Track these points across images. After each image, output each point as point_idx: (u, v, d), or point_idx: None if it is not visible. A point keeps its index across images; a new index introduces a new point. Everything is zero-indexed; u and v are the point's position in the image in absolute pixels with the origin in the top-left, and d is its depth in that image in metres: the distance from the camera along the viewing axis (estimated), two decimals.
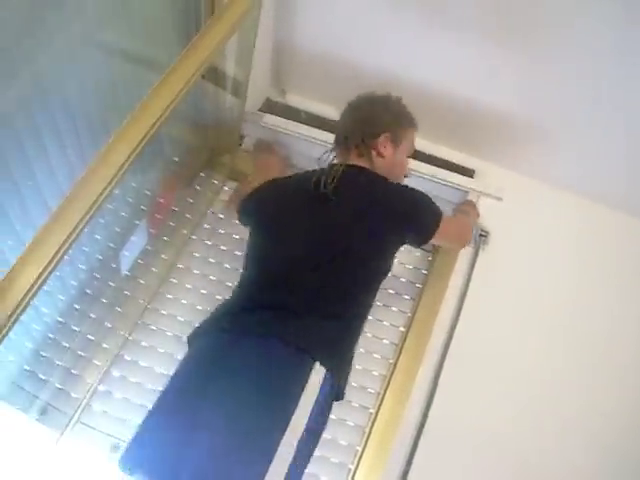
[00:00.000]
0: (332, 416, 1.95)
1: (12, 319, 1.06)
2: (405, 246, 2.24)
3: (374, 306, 2.05)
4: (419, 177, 2.23)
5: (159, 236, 2.32)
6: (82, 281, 2.11)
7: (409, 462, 1.93)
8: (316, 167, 1.86)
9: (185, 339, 1.65)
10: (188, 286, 2.24)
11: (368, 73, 2.25)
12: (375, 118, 1.85)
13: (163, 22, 1.75)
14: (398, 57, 2.19)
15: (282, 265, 1.61)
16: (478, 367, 2.11)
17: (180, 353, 1.72)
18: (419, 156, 2.30)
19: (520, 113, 2.21)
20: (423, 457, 1.94)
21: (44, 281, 1.12)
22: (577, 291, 2.30)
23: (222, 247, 2.32)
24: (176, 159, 2.34)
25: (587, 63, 1.89)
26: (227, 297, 1.75)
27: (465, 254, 2.31)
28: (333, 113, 2.09)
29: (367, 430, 1.99)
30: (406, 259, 2.32)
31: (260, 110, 2.46)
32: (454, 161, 2.42)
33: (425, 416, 2.00)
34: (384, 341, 2.16)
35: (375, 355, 2.13)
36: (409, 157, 1.95)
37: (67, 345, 2.06)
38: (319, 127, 2.30)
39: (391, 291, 2.25)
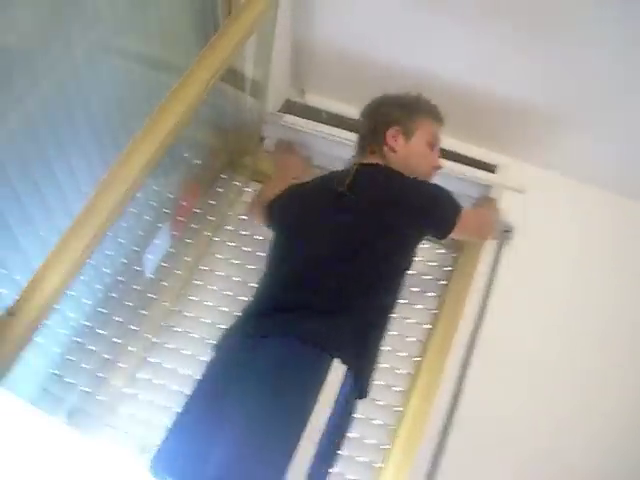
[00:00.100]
0: (358, 415, 1.95)
1: (38, 323, 1.07)
2: (429, 243, 2.27)
3: (399, 304, 2.06)
4: (440, 173, 2.21)
5: (182, 238, 2.32)
6: (107, 285, 2.12)
7: (436, 460, 1.92)
8: (337, 167, 1.87)
9: (210, 341, 1.66)
10: (212, 288, 2.24)
11: (388, 71, 2.23)
12: (384, 114, 1.86)
13: (180, 25, 1.76)
14: (417, 54, 2.17)
15: (303, 265, 1.62)
16: (504, 363, 2.08)
17: (205, 355, 1.73)
18: (441, 153, 2.30)
19: (541, 106, 2.19)
20: (451, 455, 1.93)
21: (68, 285, 1.13)
22: (603, 285, 2.26)
23: (245, 248, 2.32)
24: (197, 162, 2.35)
25: (610, 54, 1.86)
26: (251, 298, 1.75)
27: (489, 250, 2.29)
28: (353, 112, 2.08)
29: (394, 429, 1.98)
30: (430, 256, 2.31)
31: (280, 111, 2.45)
32: (475, 157, 2.40)
33: (452, 414, 1.99)
34: (409, 339, 2.15)
35: (401, 353, 2.12)
36: (435, 148, 1.89)
37: (93, 349, 2.08)
38: (340, 126, 2.30)
39: (415, 289, 2.24)
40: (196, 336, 2.13)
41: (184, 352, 2.10)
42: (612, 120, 2.12)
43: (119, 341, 2.11)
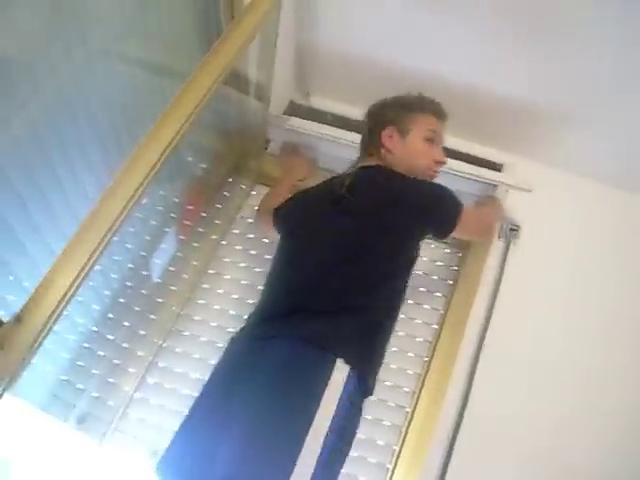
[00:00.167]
0: (368, 416, 1.98)
1: (46, 329, 1.07)
2: (435, 243, 2.27)
3: (406, 304, 2.07)
4: (447, 173, 2.21)
5: (189, 242, 2.33)
6: (115, 290, 2.13)
7: (447, 460, 1.91)
8: (342, 169, 1.89)
9: (219, 344, 1.67)
10: (219, 291, 2.25)
11: (392, 72, 2.23)
12: (380, 116, 1.89)
13: (183, 29, 1.76)
14: (421, 55, 2.17)
15: (306, 269, 1.63)
16: (513, 362, 2.08)
17: (214, 358, 1.74)
18: (447, 152, 2.29)
19: (544, 105, 2.18)
20: (461, 455, 1.92)
21: (76, 291, 1.13)
22: (611, 282, 2.25)
23: (252, 251, 2.32)
24: (203, 166, 2.35)
25: (611, 53, 1.86)
26: (257, 302, 1.76)
27: (496, 249, 2.28)
28: (358, 113, 2.08)
29: (404, 429, 1.98)
30: (437, 256, 2.31)
31: (285, 113, 2.46)
32: (481, 156, 2.40)
33: (462, 414, 1.98)
34: (418, 339, 2.15)
35: (409, 354, 2.12)
36: (435, 143, 1.86)
37: (102, 354, 2.09)
38: (345, 128, 2.30)
39: (423, 289, 2.24)
40: (205, 339, 2.14)
41: (193, 356, 2.11)
42: (617, 116, 2.12)
43: (128, 346, 2.12)
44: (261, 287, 1.77)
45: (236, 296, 2.23)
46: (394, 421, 2.01)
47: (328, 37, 2.23)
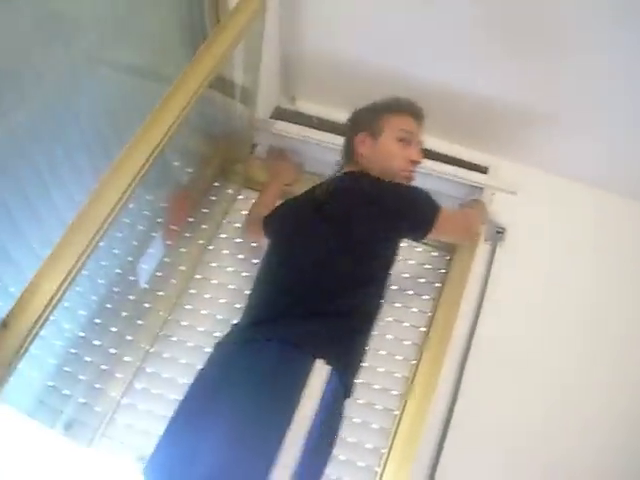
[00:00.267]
0: (356, 419, 1.98)
1: (32, 334, 1.07)
2: (422, 247, 2.28)
3: (394, 307, 2.07)
4: (432, 176, 2.22)
5: (176, 247, 2.32)
6: (102, 295, 2.12)
7: (435, 463, 1.92)
8: (329, 172, 1.94)
9: (206, 349, 1.68)
10: (207, 296, 2.24)
11: (377, 75, 2.24)
12: (353, 122, 1.94)
13: (169, 34, 1.77)
14: (406, 57, 2.18)
15: (286, 275, 1.65)
16: (500, 365, 2.09)
17: (201, 363, 1.73)
18: (432, 155, 2.31)
19: (530, 107, 2.20)
20: (449, 457, 1.93)
21: (62, 296, 1.12)
22: (596, 283, 2.27)
23: (239, 256, 2.32)
24: (190, 170, 2.35)
25: (598, 56, 1.88)
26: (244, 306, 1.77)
27: (482, 252, 2.30)
28: (344, 117, 2.09)
29: (392, 432, 1.98)
30: (424, 259, 2.32)
31: (271, 117, 2.46)
32: (467, 159, 2.41)
33: (449, 416, 1.99)
34: (405, 342, 2.15)
35: (397, 357, 2.12)
36: (409, 142, 1.85)
37: (89, 359, 2.08)
38: (331, 131, 2.30)
39: (410, 292, 2.24)
40: (192, 345, 2.13)
41: (181, 361, 2.10)
42: (600, 118, 2.14)
43: (115, 351, 2.11)
44: (248, 292, 1.78)
45: (223, 301, 2.22)
46: (382, 424, 2.01)
47: (313, 41, 2.23)
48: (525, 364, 2.10)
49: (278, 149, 2.41)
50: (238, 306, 2.13)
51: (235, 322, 1.73)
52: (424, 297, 2.25)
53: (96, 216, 1.18)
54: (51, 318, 1.12)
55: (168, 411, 1.92)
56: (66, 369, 2.05)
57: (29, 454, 1.88)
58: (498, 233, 2.31)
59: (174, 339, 2.16)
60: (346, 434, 1.98)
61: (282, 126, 2.34)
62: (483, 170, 2.38)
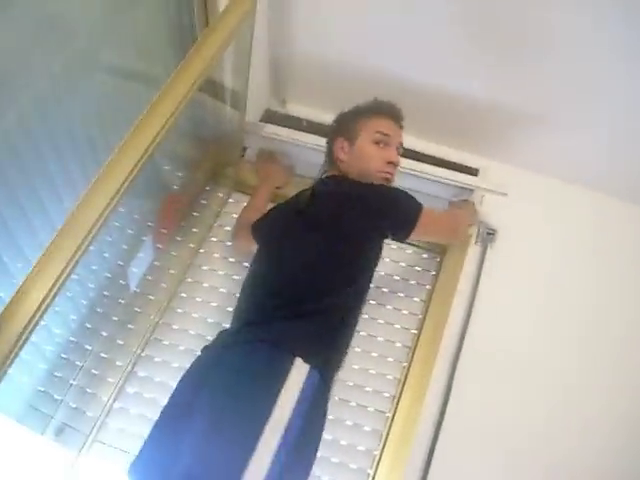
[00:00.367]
0: (348, 422, 1.99)
1: (22, 339, 1.06)
2: (412, 248, 2.28)
3: (384, 310, 2.08)
4: (422, 178, 2.22)
5: (167, 251, 2.32)
6: (92, 300, 2.11)
7: (428, 465, 1.92)
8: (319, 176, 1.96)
9: (198, 353, 1.68)
10: (198, 299, 2.24)
11: (368, 77, 2.25)
12: (331, 129, 1.99)
13: (158, 37, 1.76)
14: (396, 60, 2.18)
15: (270, 278, 1.70)
16: (491, 366, 2.09)
17: None
18: (422, 157, 2.31)
19: (520, 108, 2.21)
20: (442, 459, 1.93)
21: (52, 300, 1.12)
22: (585, 283, 2.29)
23: (230, 259, 2.32)
24: (179, 174, 2.34)
25: (589, 56, 1.89)
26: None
27: (473, 253, 2.31)
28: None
29: (384, 434, 1.98)
30: (414, 261, 2.33)
31: (261, 120, 2.46)
32: (457, 160, 2.42)
33: (441, 418, 1.99)
34: (397, 344, 2.15)
35: (388, 359, 2.13)
36: (385, 144, 1.86)
37: (80, 364, 2.07)
38: (321, 134, 2.30)
39: (401, 294, 2.25)
40: (184, 348, 2.12)
41: (173, 365, 2.10)
42: (591, 120, 2.15)
43: (106, 356, 2.10)
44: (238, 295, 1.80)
45: (215, 304, 2.22)
46: (374, 426, 2.01)
47: (303, 44, 2.23)
48: (516, 366, 2.10)
49: (268, 152, 2.40)
50: (229, 309, 2.12)
51: (225, 327, 1.76)
52: (415, 299, 2.25)
53: (85, 221, 1.17)
54: (41, 323, 1.11)
55: None
56: (57, 374, 2.04)
57: (19, 460, 1.87)
58: (489, 234, 2.32)
59: (165, 343, 2.15)
60: (338, 436, 1.98)
61: (272, 129, 2.33)
62: (473, 172, 2.38)
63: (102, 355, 2.10)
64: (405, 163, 2.18)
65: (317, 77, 2.39)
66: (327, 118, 2.13)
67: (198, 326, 2.17)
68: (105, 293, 2.16)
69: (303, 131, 2.33)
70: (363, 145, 1.85)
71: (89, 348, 2.09)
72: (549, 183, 2.48)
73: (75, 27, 1.42)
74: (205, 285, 2.27)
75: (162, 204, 2.33)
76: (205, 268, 2.31)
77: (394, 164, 1.86)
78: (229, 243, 2.34)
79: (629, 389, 2.10)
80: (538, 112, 2.20)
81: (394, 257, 2.31)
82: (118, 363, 2.09)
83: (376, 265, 1.76)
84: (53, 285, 1.11)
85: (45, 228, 1.53)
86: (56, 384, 2.03)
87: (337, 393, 2.03)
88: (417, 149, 2.37)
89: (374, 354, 2.12)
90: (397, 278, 2.28)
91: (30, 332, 1.08)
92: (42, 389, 2.01)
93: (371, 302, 2.19)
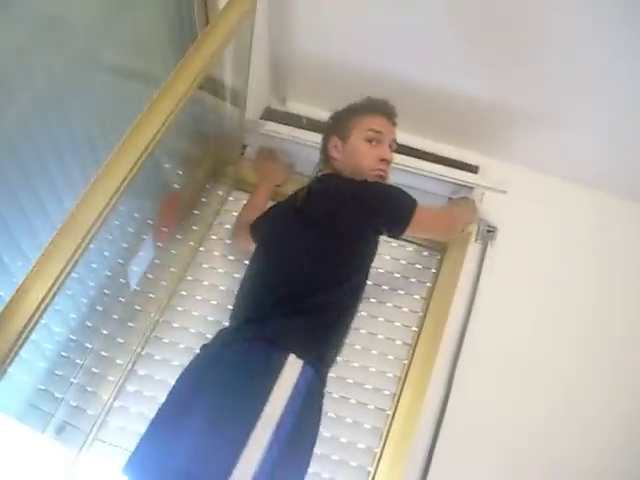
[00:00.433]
0: (348, 419, 1.99)
1: (22, 338, 1.06)
2: (412, 246, 2.28)
3: (385, 307, 2.07)
4: (422, 176, 2.22)
5: (167, 249, 2.32)
6: (92, 298, 2.11)
7: (428, 463, 1.92)
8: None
9: (198, 351, 1.69)
10: (198, 297, 2.24)
11: (367, 75, 2.24)
12: (326, 127, 2.00)
13: (158, 35, 1.76)
14: (396, 58, 2.18)
15: (267, 276, 1.71)
16: (492, 364, 2.10)
17: None
18: (422, 155, 2.31)
19: (520, 105, 2.20)
20: (442, 457, 1.93)
21: (52, 299, 1.12)
22: (586, 282, 2.29)
23: (230, 257, 2.32)
24: (180, 172, 2.34)
25: (589, 54, 1.88)
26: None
27: (473, 251, 2.31)
28: None
29: (385, 432, 1.98)
30: (415, 259, 2.33)
31: (261, 118, 2.46)
32: (457, 158, 2.41)
33: (442, 416, 1.99)
34: (397, 342, 2.15)
35: (389, 356, 2.13)
36: (377, 142, 1.86)
37: (80, 362, 2.07)
38: (321, 132, 2.30)
39: (401, 292, 2.25)
40: (184, 346, 2.13)
41: (173, 363, 2.09)
42: (591, 118, 2.15)
43: (107, 354, 2.10)
44: None
45: (215, 302, 2.22)
46: (375, 424, 2.01)
47: (303, 42, 2.23)
48: (516, 364, 2.11)
49: (267, 150, 2.40)
50: (229, 307, 2.10)
51: (225, 325, 1.76)
52: (415, 297, 2.25)
53: (85, 220, 1.17)
54: (41, 321, 1.11)
55: None
56: (57, 372, 2.04)
57: (20, 459, 1.88)
58: (489, 232, 2.33)
59: (166, 341, 2.15)
60: (338, 434, 1.98)
61: (272, 127, 2.33)
62: (473, 169, 2.38)
63: (102, 353, 2.10)
64: (406, 161, 2.19)
65: (317, 75, 2.39)
66: (327, 116, 2.13)
67: (198, 324, 2.17)
68: (105, 291, 2.15)
69: (303, 129, 2.32)
70: (356, 143, 1.86)
71: (89, 346, 2.09)
72: (549, 181, 2.48)
73: (75, 26, 1.41)
74: (205, 283, 2.27)
75: (162, 202, 2.33)
76: (205, 266, 2.31)
77: (387, 161, 1.87)
78: (229, 241, 2.34)
79: (629, 389, 2.10)
80: (538, 110, 2.20)
81: (395, 255, 2.31)
82: (118, 361, 2.09)
83: (371, 262, 1.77)
84: (53, 284, 1.11)
85: (45, 227, 1.53)
86: (56, 382, 2.03)
87: (337, 390, 2.04)
88: (418, 147, 2.37)
89: (374, 352, 2.12)
90: (397, 276, 2.28)
91: (30, 331, 1.08)
92: (42, 387, 2.01)
93: (371, 300, 2.20)
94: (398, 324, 2.19)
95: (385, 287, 2.24)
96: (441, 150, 2.43)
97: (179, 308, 2.22)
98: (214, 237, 2.37)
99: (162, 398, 1.99)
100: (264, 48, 2.22)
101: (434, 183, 2.26)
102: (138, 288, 2.24)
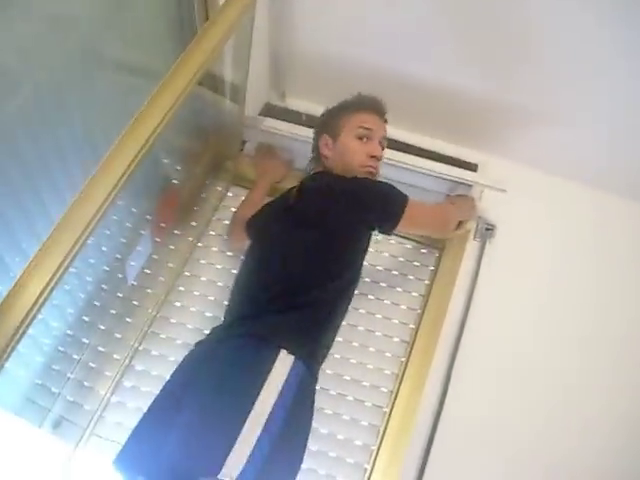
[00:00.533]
0: (345, 416, 1.98)
1: (19, 332, 1.06)
2: (411, 243, 2.28)
3: (383, 304, 2.07)
4: (421, 173, 2.22)
5: (165, 245, 2.32)
6: (90, 293, 2.10)
7: (425, 460, 1.92)
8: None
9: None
10: (196, 293, 2.24)
11: (366, 72, 2.24)
12: (316, 126, 2.01)
13: (158, 31, 1.75)
14: (396, 55, 2.18)
15: (259, 273, 1.74)
16: (490, 362, 2.10)
17: None
18: (421, 152, 2.31)
19: (519, 104, 2.20)
20: (439, 454, 1.93)
21: (50, 294, 1.12)
22: (587, 281, 2.28)
23: (228, 253, 2.31)
24: (178, 167, 2.34)
25: (590, 52, 1.88)
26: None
27: (472, 248, 2.31)
28: None
29: (382, 429, 1.98)
30: (413, 256, 2.32)
31: (260, 114, 2.45)
32: (456, 156, 2.41)
33: (439, 413, 1.99)
34: (395, 339, 2.15)
35: (386, 354, 2.13)
36: (367, 139, 1.87)
37: (78, 357, 2.07)
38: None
39: (399, 289, 2.25)
40: (181, 342, 2.12)
41: (170, 358, 2.09)
42: (591, 116, 2.15)
43: (104, 349, 2.10)
44: None
45: (212, 298, 2.22)
46: (372, 421, 2.01)
47: (303, 38, 2.23)
48: (514, 362, 2.11)
49: (266, 147, 2.40)
50: (227, 303, 2.12)
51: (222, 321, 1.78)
52: (413, 294, 2.25)
53: (83, 215, 1.17)
54: (39, 316, 1.11)
55: None
56: (54, 367, 2.04)
57: (16, 453, 1.87)
58: (487, 230, 2.32)
59: (163, 336, 2.15)
60: (335, 431, 1.98)
61: (271, 123, 2.33)
62: (472, 167, 2.37)
63: (100, 349, 2.10)
64: (405, 158, 2.18)
65: (317, 71, 2.38)
66: None
67: (196, 320, 2.17)
68: (103, 286, 2.15)
69: (302, 125, 2.32)
70: (346, 141, 1.87)
71: (87, 341, 2.09)
72: (549, 179, 2.48)
73: (75, 22, 1.41)
74: (203, 279, 2.27)
75: (161, 198, 2.32)
76: (203, 262, 2.31)
77: (377, 158, 1.88)
78: (227, 237, 2.33)
79: (629, 389, 2.10)
80: (538, 108, 2.20)
81: (393, 252, 2.31)
82: (116, 357, 2.09)
83: (363, 258, 1.77)
84: (51, 279, 1.10)
85: (43, 221, 1.53)
86: (53, 377, 2.02)
87: (335, 387, 2.04)
88: (417, 144, 2.37)
89: (372, 349, 2.12)
90: (395, 273, 2.28)
91: (28, 325, 1.08)
92: (39, 382, 2.01)
93: (369, 297, 2.20)
94: (396, 321, 2.19)
95: (383, 284, 2.24)
96: (440, 148, 2.43)
97: (177, 304, 2.21)
98: (212, 233, 2.37)
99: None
100: (264, 44, 2.22)
101: (433, 181, 2.26)
102: (136, 283, 2.24)
